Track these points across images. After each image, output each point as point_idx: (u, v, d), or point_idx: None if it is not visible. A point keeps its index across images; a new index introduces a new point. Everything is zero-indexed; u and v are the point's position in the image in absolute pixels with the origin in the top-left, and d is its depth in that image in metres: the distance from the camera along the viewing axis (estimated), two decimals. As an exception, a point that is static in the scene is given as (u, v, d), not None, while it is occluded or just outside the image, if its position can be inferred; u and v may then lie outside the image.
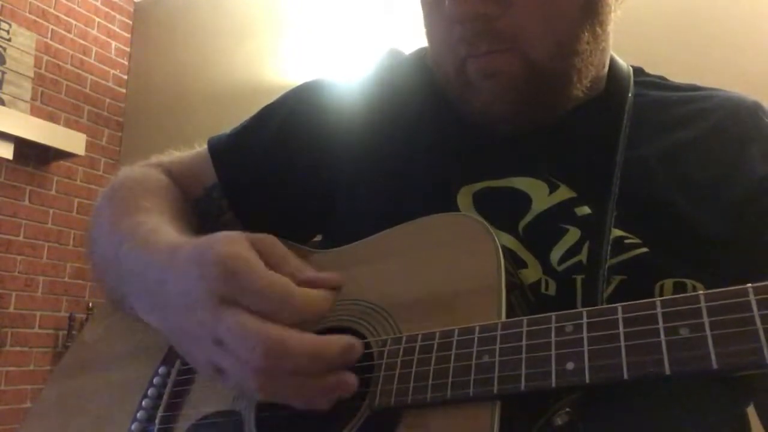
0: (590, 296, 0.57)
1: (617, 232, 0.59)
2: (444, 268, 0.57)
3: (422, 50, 0.77)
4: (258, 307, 0.48)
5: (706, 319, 0.42)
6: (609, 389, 0.44)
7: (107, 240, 0.68)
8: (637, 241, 0.59)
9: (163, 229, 0.64)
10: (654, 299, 0.45)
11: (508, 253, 0.58)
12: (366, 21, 2.60)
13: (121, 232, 0.66)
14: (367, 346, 0.55)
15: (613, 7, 0.64)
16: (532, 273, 0.60)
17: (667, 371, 0.41)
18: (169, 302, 0.54)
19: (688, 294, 0.44)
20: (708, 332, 0.41)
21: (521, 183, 0.64)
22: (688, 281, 0.58)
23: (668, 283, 0.57)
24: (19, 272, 2.62)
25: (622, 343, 0.43)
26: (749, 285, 0.41)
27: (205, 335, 0.50)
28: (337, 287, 0.54)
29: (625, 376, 0.42)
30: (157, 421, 0.63)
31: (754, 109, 0.67)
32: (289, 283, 0.50)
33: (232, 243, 0.52)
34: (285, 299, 0.49)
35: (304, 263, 0.55)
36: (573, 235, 0.60)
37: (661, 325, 0.43)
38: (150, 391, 0.66)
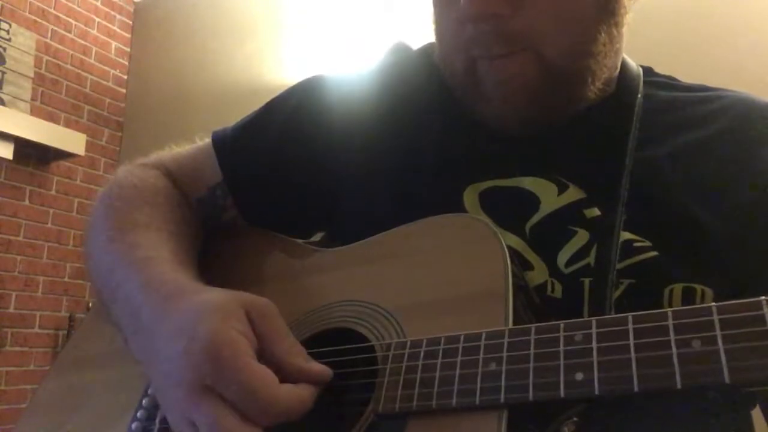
0: (598, 300, 0.56)
1: (626, 235, 0.58)
2: (449, 270, 0.56)
3: (429, 45, 0.75)
4: (238, 405, 0.48)
5: (718, 332, 0.41)
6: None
7: (102, 259, 0.68)
8: (646, 244, 0.58)
9: (159, 259, 0.63)
10: (665, 310, 0.44)
11: (514, 255, 0.57)
12: (366, 21, 2.60)
13: (115, 254, 0.66)
14: (371, 349, 0.55)
15: (627, 9, 0.63)
16: (538, 275, 0.59)
17: (679, 385, 0.40)
18: (154, 359, 0.55)
19: (700, 306, 0.43)
20: (720, 346, 0.40)
21: (529, 183, 0.63)
22: (698, 286, 0.57)
23: (677, 287, 0.57)
24: (19, 272, 2.61)
25: (633, 355, 0.43)
26: (763, 298, 0.41)
27: (180, 411, 0.50)
28: (324, 383, 0.52)
29: (636, 389, 0.41)
30: (157, 420, 0.62)
31: (766, 110, 0.66)
32: (272, 384, 0.48)
33: (227, 319, 0.51)
34: (265, 404, 0.48)
35: (296, 344, 0.54)
36: (581, 237, 0.60)
37: (672, 337, 0.42)
38: (150, 390, 0.65)
